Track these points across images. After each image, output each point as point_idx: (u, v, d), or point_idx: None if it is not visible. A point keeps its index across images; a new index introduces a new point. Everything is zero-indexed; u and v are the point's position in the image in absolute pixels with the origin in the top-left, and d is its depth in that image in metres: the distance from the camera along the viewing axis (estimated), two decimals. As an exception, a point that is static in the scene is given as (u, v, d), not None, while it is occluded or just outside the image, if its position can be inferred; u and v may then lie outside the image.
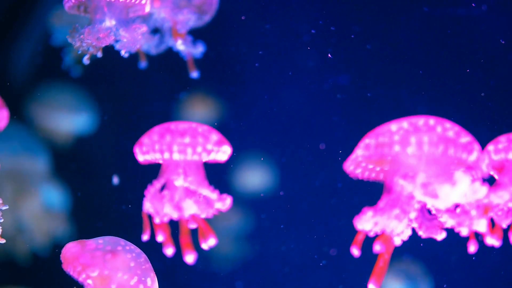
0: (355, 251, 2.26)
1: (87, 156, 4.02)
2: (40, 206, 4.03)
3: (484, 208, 2.26)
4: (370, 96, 3.89)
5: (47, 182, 4.03)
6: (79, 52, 2.89)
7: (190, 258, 2.36)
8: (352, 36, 3.81)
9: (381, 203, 2.24)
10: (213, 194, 2.40)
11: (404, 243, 3.82)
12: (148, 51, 3.36)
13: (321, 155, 4.03)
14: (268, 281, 4.10)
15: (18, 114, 3.95)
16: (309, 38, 3.90)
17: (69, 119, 3.94)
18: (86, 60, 2.87)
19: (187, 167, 2.43)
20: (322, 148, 4.01)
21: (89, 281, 2.45)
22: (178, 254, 3.98)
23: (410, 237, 3.77)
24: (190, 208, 2.36)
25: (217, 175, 3.90)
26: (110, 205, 3.99)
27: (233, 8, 3.91)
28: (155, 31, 3.35)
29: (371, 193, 3.88)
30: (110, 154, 4.01)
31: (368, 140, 2.27)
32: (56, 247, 4.05)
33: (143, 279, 2.50)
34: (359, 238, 2.25)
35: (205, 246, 2.41)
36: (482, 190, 2.13)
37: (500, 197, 2.29)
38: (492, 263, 3.97)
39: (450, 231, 3.78)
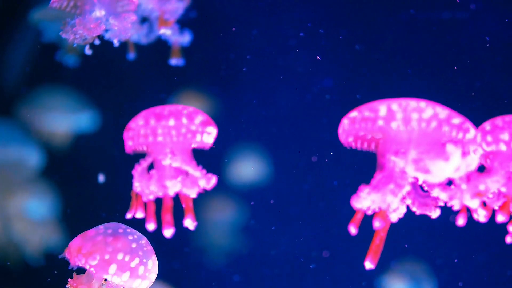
0: (353, 229, 2.29)
1: (82, 157, 4.00)
2: (28, 210, 3.97)
3: (478, 194, 2.30)
4: (359, 98, 3.91)
5: (38, 185, 3.99)
6: (74, 45, 2.90)
7: (168, 232, 2.41)
8: (341, 37, 3.83)
9: (375, 180, 2.27)
10: (197, 172, 2.42)
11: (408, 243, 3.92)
12: (138, 41, 3.37)
13: (311, 156, 4.03)
14: (264, 273, 4.09)
15: (11, 116, 3.94)
16: (298, 41, 3.93)
17: (63, 119, 3.93)
18: (87, 50, 2.94)
19: (174, 147, 2.46)
20: (313, 159, 4.00)
21: (92, 269, 2.50)
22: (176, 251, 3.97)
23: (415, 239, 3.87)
24: (175, 186, 2.39)
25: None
26: (104, 206, 3.95)
27: (222, 11, 3.94)
28: (144, 20, 3.37)
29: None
30: (106, 155, 3.99)
31: (354, 114, 2.31)
32: (48, 255, 4.04)
33: (144, 261, 2.55)
34: (358, 217, 2.29)
35: (187, 223, 2.46)
36: (474, 162, 2.17)
37: (495, 183, 2.33)
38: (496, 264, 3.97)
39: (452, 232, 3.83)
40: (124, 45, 3.48)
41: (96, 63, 3.83)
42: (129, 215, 2.47)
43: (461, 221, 2.33)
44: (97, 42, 2.94)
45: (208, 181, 2.44)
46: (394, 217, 2.30)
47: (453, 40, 3.90)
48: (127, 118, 3.81)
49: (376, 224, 2.27)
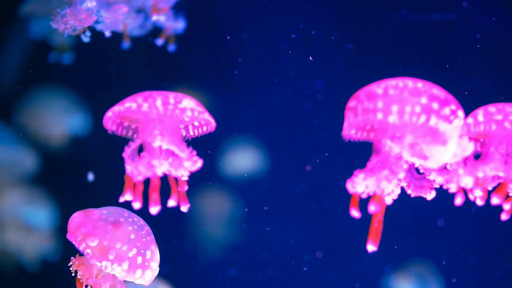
0: (355, 213, 2.31)
1: (78, 158, 3.98)
2: (22, 214, 3.93)
3: (477, 181, 2.32)
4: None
5: (33, 188, 3.95)
6: (65, 35, 2.89)
7: (154, 210, 2.40)
8: (333, 37, 3.83)
9: (370, 164, 2.28)
10: (183, 153, 2.41)
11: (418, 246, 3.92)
12: (133, 32, 3.36)
13: (304, 158, 4.01)
14: (257, 275, 4.06)
15: (3, 118, 3.91)
16: (290, 42, 3.93)
17: (59, 119, 3.91)
18: (84, 38, 2.90)
19: (163, 129, 2.44)
20: (308, 168, 4.00)
21: (88, 251, 2.48)
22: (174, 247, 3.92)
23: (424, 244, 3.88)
24: (162, 165, 2.39)
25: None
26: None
27: (214, 12, 3.95)
28: (139, 11, 3.37)
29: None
30: (102, 155, 3.97)
31: (353, 103, 2.34)
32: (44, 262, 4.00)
33: (142, 251, 2.55)
34: (355, 200, 2.30)
35: (172, 203, 2.48)
36: (470, 147, 2.18)
37: (493, 169, 2.34)
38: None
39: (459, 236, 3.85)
40: (117, 40, 3.47)
41: (88, 60, 3.82)
42: (121, 199, 2.44)
43: (458, 200, 2.34)
44: (87, 33, 2.92)
45: (194, 163, 2.41)
46: (389, 200, 2.31)
47: (444, 40, 3.91)
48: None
49: (371, 208, 2.27)
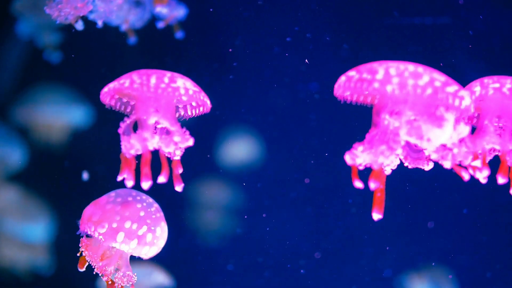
0: (358, 184, 2.32)
1: (78, 153, 3.96)
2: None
3: (473, 156, 2.33)
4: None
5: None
6: (57, 22, 2.90)
7: (145, 185, 2.41)
8: (328, 39, 3.86)
9: (369, 136, 2.30)
10: (174, 127, 2.44)
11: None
12: (134, 25, 3.39)
13: (300, 161, 4.01)
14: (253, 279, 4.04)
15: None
16: (285, 45, 3.96)
17: (57, 114, 3.90)
18: (78, 26, 2.93)
19: (159, 107, 2.47)
20: (305, 180, 4.02)
21: (101, 237, 2.53)
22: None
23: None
24: (153, 139, 2.41)
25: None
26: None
27: (208, 18, 3.98)
28: (137, 3, 3.40)
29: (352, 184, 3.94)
30: (102, 150, 3.96)
31: (351, 73, 2.34)
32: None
33: (152, 228, 2.59)
34: (354, 171, 2.32)
35: (161, 179, 2.47)
36: (465, 130, 2.20)
37: (489, 143, 2.38)
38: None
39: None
40: (114, 33, 3.50)
41: (88, 55, 3.85)
42: (119, 178, 2.47)
43: (466, 176, 2.35)
44: (80, 22, 2.93)
45: (184, 139, 2.43)
46: (388, 170, 2.33)
47: (437, 42, 3.94)
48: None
49: (372, 184, 2.29)
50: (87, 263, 2.60)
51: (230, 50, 3.92)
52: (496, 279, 3.97)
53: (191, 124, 3.90)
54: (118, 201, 2.60)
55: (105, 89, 2.51)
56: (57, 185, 4.01)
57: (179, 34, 3.63)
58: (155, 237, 2.59)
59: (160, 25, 3.56)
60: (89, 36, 3.61)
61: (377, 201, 2.31)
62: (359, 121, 3.79)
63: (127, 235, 2.52)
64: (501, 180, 2.35)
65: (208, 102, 2.58)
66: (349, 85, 2.32)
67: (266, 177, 4.04)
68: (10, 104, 3.91)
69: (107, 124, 3.91)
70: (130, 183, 2.43)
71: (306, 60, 3.89)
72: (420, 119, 2.22)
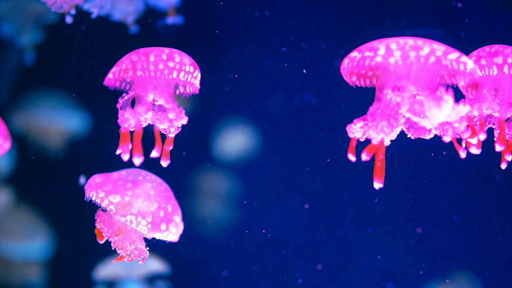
0: (351, 157, 2.37)
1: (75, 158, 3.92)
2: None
3: (481, 122, 2.42)
4: (344, 107, 3.94)
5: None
6: (52, 9, 2.90)
7: (137, 160, 2.43)
8: (323, 46, 3.88)
9: (371, 110, 2.35)
10: (169, 105, 2.48)
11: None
12: (125, 17, 3.40)
13: (297, 171, 4.00)
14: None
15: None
16: (280, 56, 3.98)
17: (53, 119, 3.87)
18: (67, 19, 3.01)
19: (156, 84, 2.50)
20: (306, 206, 4.02)
21: (111, 207, 2.56)
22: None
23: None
24: (147, 114, 2.43)
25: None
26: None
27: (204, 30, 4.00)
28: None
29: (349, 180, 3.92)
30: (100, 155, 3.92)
31: (354, 53, 2.38)
32: None
33: (163, 205, 2.64)
34: (352, 144, 2.38)
35: (154, 153, 2.51)
36: (464, 109, 2.23)
37: (488, 108, 2.43)
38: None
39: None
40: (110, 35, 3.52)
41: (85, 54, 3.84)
42: (117, 152, 2.49)
43: (462, 154, 2.41)
44: (72, 11, 2.93)
45: (179, 117, 2.47)
46: (387, 141, 2.37)
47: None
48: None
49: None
50: (105, 237, 2.63)
51: (236, 75, 3.98)
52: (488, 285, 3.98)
53: (191, 123, 3.91)
54: (129, 179, 2.64)
55: (110, 75, 2.55)
56: (53, 191, 3.98)
57: (176, 19, 3.62)
58: (168, 213, 2.62)
59: (170, 20, 3.55)
60: (85, 38, 3.64)
61: (377, 171, 2.35)
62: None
63: (140, 211, 2.56)
64: (498, 148, 2.42)
65: (198, 84, 2.61)
66: (353, 65, 2.35)
67: (265, 178, 4.05)
68: (7, 110, 3.90)
69: (104, 130, 3.92)
70: (126, 156, 2.46)
71: (304, 71, 3.92)
72: (422, 95, 2.26)
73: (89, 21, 3.29)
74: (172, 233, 2.61)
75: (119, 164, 3.83)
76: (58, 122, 3.88)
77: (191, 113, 3.92)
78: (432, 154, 3.96)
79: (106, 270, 3.84)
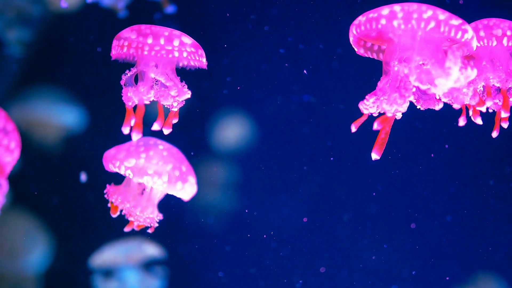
0: (353, 128, 2.40)
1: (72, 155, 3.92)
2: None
3: (487, 90, 2.47)
4: (342, 108, 3.95)
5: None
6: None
7: (135, 136, 2.48)
8: (321, 46, 3.91)
9: (380, 85, 2.37)
10: (171, 82, 2.52)
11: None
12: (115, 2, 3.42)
13: (294, 173, 3.99)
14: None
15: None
16: (279, 57, 4.00)
17: (49, 116, 3.86)
18: (63, 4, 2.95)
19: (158, 60, 2.54)
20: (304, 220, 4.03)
21: (128, 172, 2.64)
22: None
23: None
24: (149, 93, 2.48)
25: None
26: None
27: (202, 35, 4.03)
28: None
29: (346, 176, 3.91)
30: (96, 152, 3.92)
31: (359, 18, 2.42)
32: None
33: (177, 165, 2.71)
34: (361, 119, 2.41)
35: (155, 127, 2.56)
36: (472, 73, 2.23)
37: (494, 78, 2.49)
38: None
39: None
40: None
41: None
42: (123, 129, 2.50)
43: (461, 122, 2.47)
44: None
45: (181, 93, 2.51)
46: (399, 115, 2.39)
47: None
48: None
49: (375, 126, 2.37)
50: (119, 209, 2.69)
51: (239, 88, 4.01)
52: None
53: (189, 124, 3.91)
54: (140, 144, 2.71)
55: (113, 52, 2.58)
56: (50, 187, 3.98)
57: (170, 9, 3.66)
58: (183, 173, 2.68)
59: (169, 9, 3.62)
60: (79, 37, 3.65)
61: (379, 142, 2.37)
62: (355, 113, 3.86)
63: (156, 171, 2.63)
64: (504, 114, 2.48)
65: (204, 60, 2.66)
66: (360, 30, 2.39)
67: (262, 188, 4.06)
68: (4, 105, 3.88)
69: (101, 126, 3.93)
70: (126, 130, 2.48)
71: (305, 71, 3.96)
72: (428, 64, 2.29)
73: (81, 8, 3.33)
74: (187, 192, 2.69)
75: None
76: (55, 117, 3.88)
77: (189, 112, 3.96)
78: (432, 155, 3.97)
79: (102, 258, 3.85)
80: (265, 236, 3.97)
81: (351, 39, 2.48)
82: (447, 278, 3.98)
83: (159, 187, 2.64)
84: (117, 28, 3.64)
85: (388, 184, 3.97)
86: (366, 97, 2.36)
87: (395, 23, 2.29)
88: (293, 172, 3.99)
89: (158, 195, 2.74)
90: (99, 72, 3.89)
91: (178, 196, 2.70)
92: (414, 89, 2.33)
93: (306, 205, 3.99)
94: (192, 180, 2.73)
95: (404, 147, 3.96)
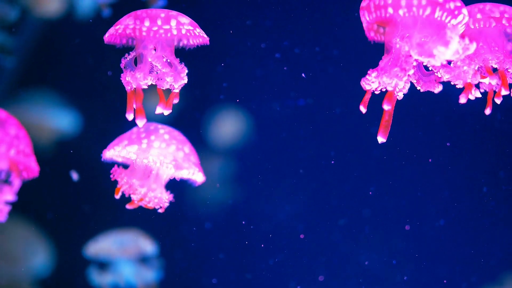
0: (363, 109, 2.45)
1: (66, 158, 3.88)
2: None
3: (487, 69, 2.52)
4: (338, 112, 3.98)
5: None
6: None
7: (140, 122, 2.49)
8: (317, 49, 3.94)
9: (382, 63, 2.42)
10: (167, 68, 2.51)
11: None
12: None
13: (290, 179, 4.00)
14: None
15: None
16: (275, 61, 4.02)
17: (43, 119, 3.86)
18: None
19: (157, 42, 2.55)
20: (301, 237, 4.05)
21: (132, 155, 2.69)
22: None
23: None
24: (146, 78, 2.49)
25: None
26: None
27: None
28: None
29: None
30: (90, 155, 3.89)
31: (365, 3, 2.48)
32: None
33: (180, 146, 2.75)
34: (366, 97, 2.45)
35: (158, 110, 2.55)
36: (472, 47, 2.30)
37: (493, 59, 2.53)
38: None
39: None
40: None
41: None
42: (130, 117, 2.52)
43: (463, 99, 2.48)
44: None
45: (177, 78, 2.51)
46: (400, 95, 2.43)
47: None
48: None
49: (386, 107, 2.41)
50: (121, 191, 2.72)
51: (238, 100, 4.03)
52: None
53: (185, 130, 3.90)
54: (141, 131, 2.75)
55: (106, 35, 2.58)
56: (43, 191, 3.96)
57: (158, 3, 3.70)
58: (187, 154, 2.73)
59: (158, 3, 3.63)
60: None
61: (384, 124, 2.42)
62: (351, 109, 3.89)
63: (159, 152, 2.68)
64: (504, 92, 2.52)
65: (205, 36, 2.66)
66: (371, 17, 2.44)
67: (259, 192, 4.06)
68: None
69: (94, 130, 3.93)
70: (130, 116, 2.49)
71: (303, 74, 3.99)
72: (429, 40, 2.35)
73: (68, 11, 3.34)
74: (198, 176, 2.75)
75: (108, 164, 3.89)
76: (47, 120, 3.88)
77: (185, 118, 3.97)
78: (430, 160, 3.99)
79: (96, 247, 3.85)
80: (262, 245, 3.97)
81: (364, 25, 2.54)
82: (445, 281, 3.96)
83: (164, 169, 2.67)
84: (105, 28, 3.69)
85: (385, 187, 3.98)
86: (369, 72, 2.41)
87: (400, 11, 2.35)
88: (290, 177, 4.00)
89: (164, 177, 2.75)
90: (91, 75, 3.90)
91: (189, 177, 2.74)
92: (414, 63, 2.37)
93: (302, 210, 4.00)
94: (194, 160, 2.76)
95: (400, 153, 3.98)
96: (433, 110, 4.02)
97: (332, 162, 3.96)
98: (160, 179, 2.74)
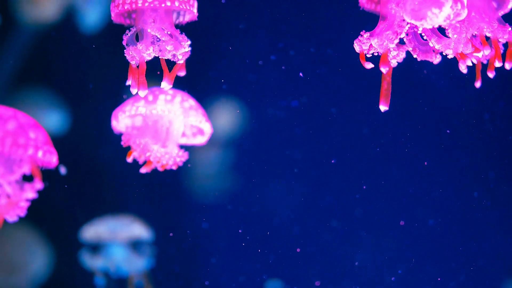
0: (368, 65, 2.47)
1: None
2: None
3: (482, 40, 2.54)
4: (334, 112, 4.01)
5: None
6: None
7: (142, 93, 2.53)
8: (312, 50, 3.99)
9: (377, 30, 2.46)
10: (166, 37, 2.55)
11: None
12: None
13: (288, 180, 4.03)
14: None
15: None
16: (271, 64, 4.06)
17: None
18: None
19: (156, 15, 2.59)
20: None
21: (141, 110, 2.72)
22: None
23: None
24: (148, 50, 2.52)
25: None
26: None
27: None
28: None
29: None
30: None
31: None
32: None
33: (185, 98, 2.80)
34: (362, 56, 2.48)
35: (164, 84, 2.59)
36: (463, 12, 2.36)
37: (487, 29, 2.55)
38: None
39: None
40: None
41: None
42: (127, 83, 2.56)
43: (463, 67, 2.48)
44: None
45: (178, 46, 2.53)
46: (394, 62, 2.48)
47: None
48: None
49: (383, 70, 2.46)
50: (133, 155, 2.72)
51: (238, 111, 4.06)
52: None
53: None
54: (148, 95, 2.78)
55: (112, 14, 2.63)
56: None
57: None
58: (192, 105, 2.77)
59: None
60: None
61: (384, 93, 2.47)
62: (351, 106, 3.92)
63: (166, 104, 2.71)
64: (497, 64, 2.55)
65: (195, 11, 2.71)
66: None
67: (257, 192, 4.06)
68: None
69: (83, 130, 3.94)
70: (134, 90, 2.53)
71: (301, 74, 4.01)
72: (422, 2, 2.37)
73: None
74: (203, 121, 2.77)
75: (99, 163, 3.87)
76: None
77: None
78: (426, 163, 4.02)
79: (91, 232, 3.83)
80: (259, 250, 3.95)
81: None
82: (439, 279, 3.96)
83: (173, 118, 2.71)
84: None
85: (378, 187, 3.99)
86: (361, 33, 2.45)
87: None
88: (285, 177, 4.02)
89: (175, 132, 2.78)
90: (82, 75, 3.92)
91: (197, 125, 2.76)
92: (407, 26, 2.41)
93: (298, 211, 4.01)
94: (202, 111, 2.80)
95: (393, 154, 4.00)
96: (425, 110, 4.05)
97: (333, 161, 3.99)
98: (171, 134, 2.77)
